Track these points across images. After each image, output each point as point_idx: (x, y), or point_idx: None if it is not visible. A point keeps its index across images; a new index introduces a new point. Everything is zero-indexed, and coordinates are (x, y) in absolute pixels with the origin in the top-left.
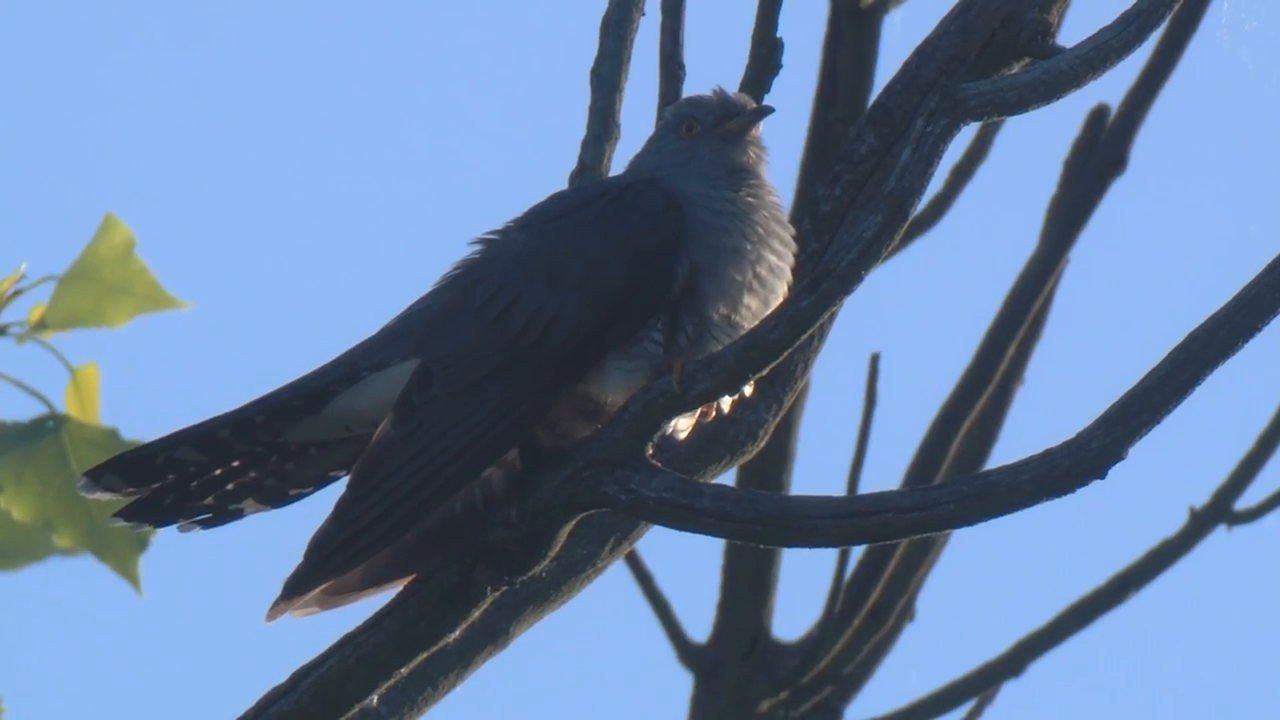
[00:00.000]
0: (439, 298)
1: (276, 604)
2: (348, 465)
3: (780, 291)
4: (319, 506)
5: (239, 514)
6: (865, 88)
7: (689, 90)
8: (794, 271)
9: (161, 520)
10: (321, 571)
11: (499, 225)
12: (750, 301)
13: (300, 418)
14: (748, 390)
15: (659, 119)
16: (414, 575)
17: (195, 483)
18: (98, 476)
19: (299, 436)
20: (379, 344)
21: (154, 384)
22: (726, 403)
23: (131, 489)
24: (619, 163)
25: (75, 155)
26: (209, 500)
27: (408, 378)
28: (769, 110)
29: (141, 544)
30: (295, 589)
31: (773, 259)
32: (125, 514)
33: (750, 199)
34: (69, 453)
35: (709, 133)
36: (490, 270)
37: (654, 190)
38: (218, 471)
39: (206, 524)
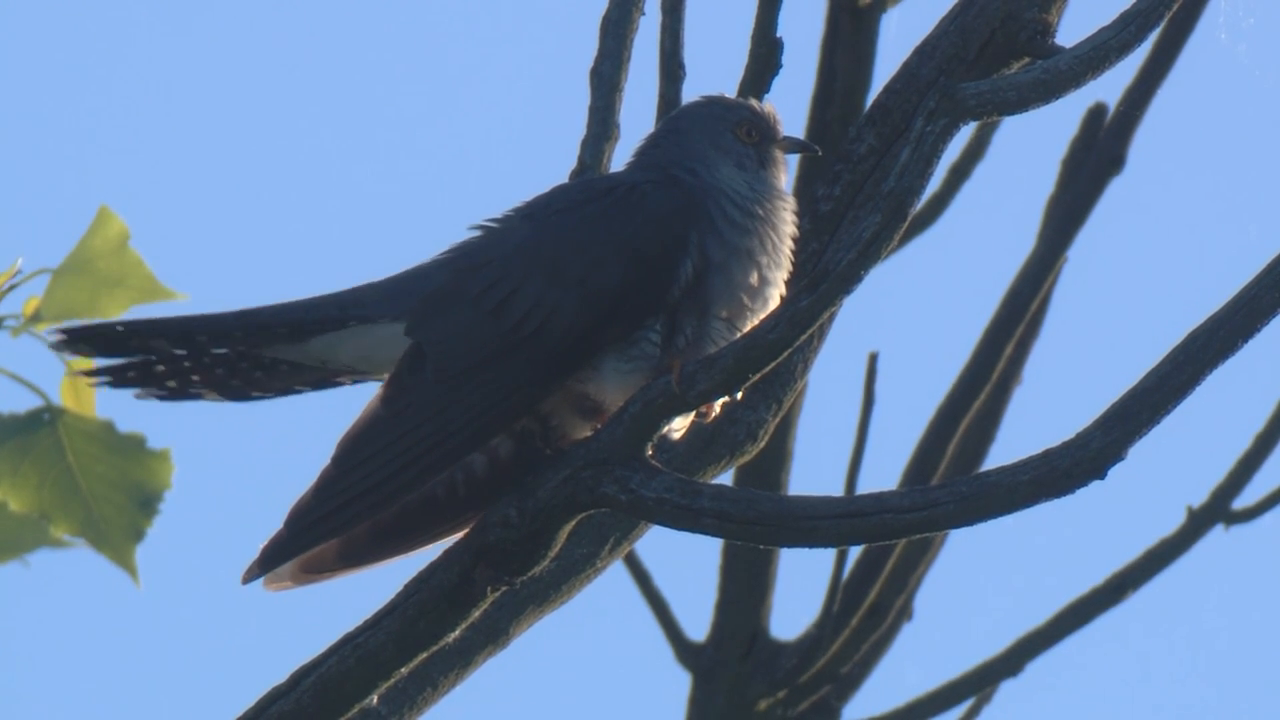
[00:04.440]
0: (438, 275)
1: (251, 569)
2: (316, 385)
3: (769, 309)
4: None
5: (198, 397)
6: (863, 87)
7: (689, 90)
8: (790, 277)
9: (123, 385)
10: (300, 542)
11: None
12: (751, 307)
13: (280, 344)
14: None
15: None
16: (390, 557)
17: (163, 368)
18: (74, 341)
19: (275, 355)
20: (370, 296)
21: None
22: (717, 403)
23: (101, 360)
24: (619, 162)
25: (70, 148)
26: (172, 384)
27: (393, 339)
28: (817, 153)
29: (139, 535)
30: (273, 557)
31: (777, 275)
32: (91, 373)
33: (790, 215)
34: (65, 445)
35: (764, 145)
36: (491, 258)
37: (663, 191)
38: (187, 364)
39: (164, 398)
